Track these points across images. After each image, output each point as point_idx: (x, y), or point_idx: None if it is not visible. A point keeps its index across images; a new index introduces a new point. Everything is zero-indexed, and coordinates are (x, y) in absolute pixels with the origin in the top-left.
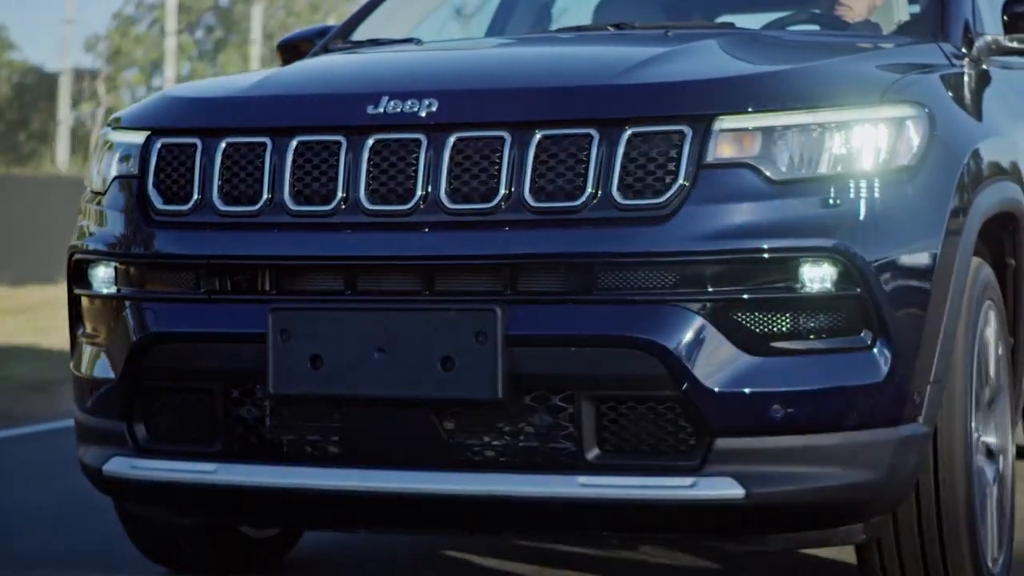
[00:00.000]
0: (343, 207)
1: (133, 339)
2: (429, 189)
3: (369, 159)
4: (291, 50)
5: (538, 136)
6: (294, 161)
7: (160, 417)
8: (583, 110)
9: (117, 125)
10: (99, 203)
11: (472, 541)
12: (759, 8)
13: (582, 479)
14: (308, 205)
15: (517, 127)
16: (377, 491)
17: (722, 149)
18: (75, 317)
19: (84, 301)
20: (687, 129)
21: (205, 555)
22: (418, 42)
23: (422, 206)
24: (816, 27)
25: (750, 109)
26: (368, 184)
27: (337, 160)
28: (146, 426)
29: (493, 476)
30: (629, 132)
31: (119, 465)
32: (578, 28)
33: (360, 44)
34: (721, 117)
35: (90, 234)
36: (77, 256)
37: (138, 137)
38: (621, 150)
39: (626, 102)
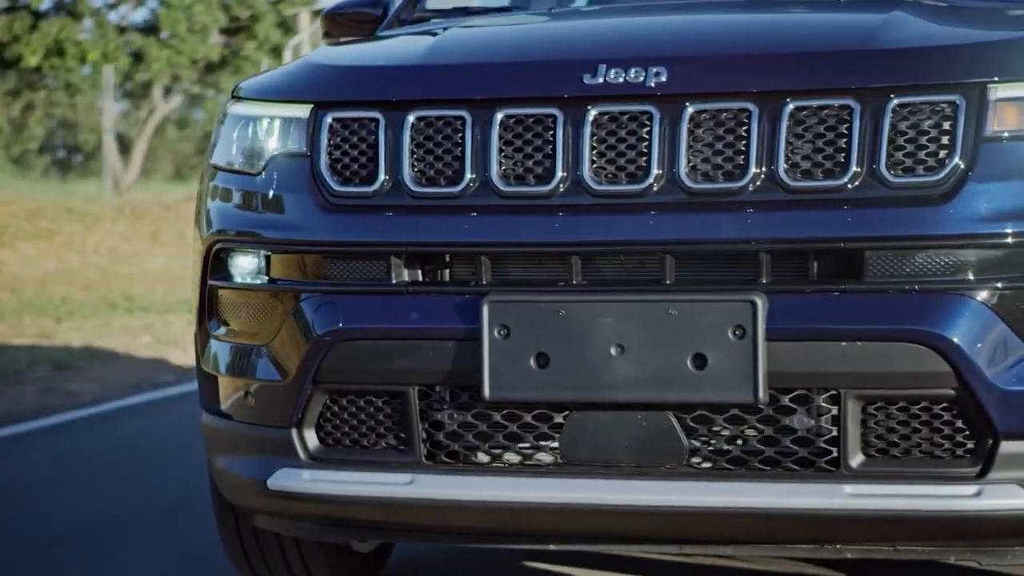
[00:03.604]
0: (562, 188)
1: (313, 337)
2: (666, 167)
3: (592, 134)
4: (337, 20)
5: (790, 107)
6: (501, 137)
7: (336, 423)
8: (842, 78)
9: (259, 97)
10: (250, 185)
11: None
12: None
13: (849, 488)
14: (522, 186)
15: (765, 97)
16: (610, 504)
17: (1001, 120)
18: (211, 312)
19: (228, 295)
20: (959, 99)
21: (316, 570)
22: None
23: (657, 186)
24: None
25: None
26: (593, 162)
27: (554, 135)
28: (317, 433)
29: (744, 486)
30: (895, 102)
31: (289, 477)
32: None
33: (445, 12)
34: (995, 85)
35: (241, 220)
36: (222, 244)
37: (299, 111)
38: (887, 122)
39: (890, 69)
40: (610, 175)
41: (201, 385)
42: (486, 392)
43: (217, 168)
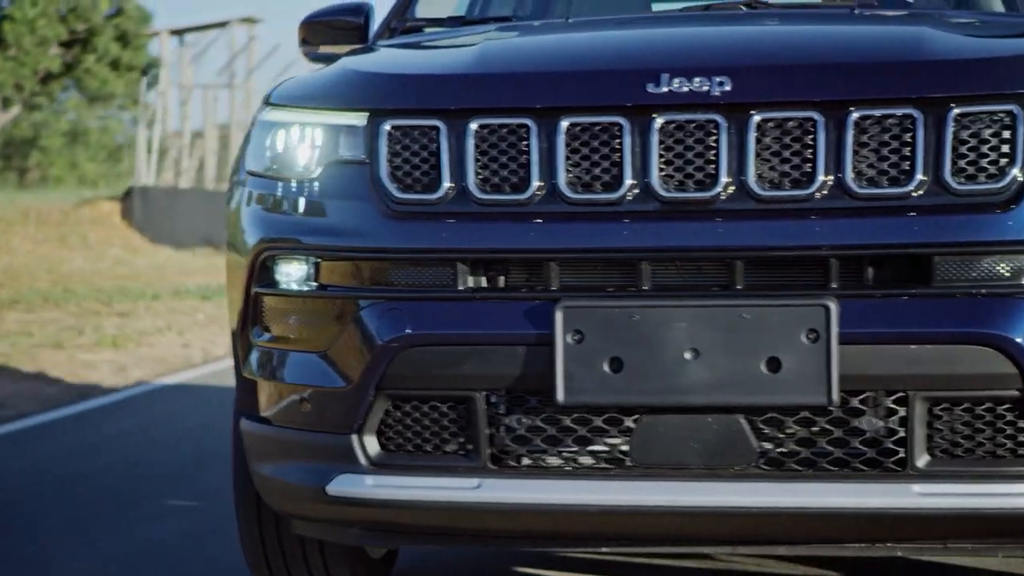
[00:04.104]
0: (630, 195)
1: (378, 343)
2: (734, 175)
3: (660, 142)
4: (316, 28)
5: (854, 116)
6: (567, 145)
7: (398, 428)
8: (904, 88)
9: (299, 105)
10: (299, 192)
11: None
12: None
13: (918, 487)
14: (590, 193)
15: (829, 107)
16: (682, 506)
17: None
18: (256, 319)
19: (279, 302)
20: (1017, 109)
21: (337, 574)
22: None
23: (726, 194)
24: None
25: None
26: (661, 169)
27: (620, 144)
28: (378, 439)
29: (815, 487)
30: (955, 111)
31: (350, 483)
32: (707, 7)
33: (441, 21)
34: None
35: (293, 227)
36: (271, 251)
37: (353, 119)
38: (949, 131)
39: (951, 79)
40: (678, 183)
41: (241, 392)
42: (560, 396)
43: (253, 174)
